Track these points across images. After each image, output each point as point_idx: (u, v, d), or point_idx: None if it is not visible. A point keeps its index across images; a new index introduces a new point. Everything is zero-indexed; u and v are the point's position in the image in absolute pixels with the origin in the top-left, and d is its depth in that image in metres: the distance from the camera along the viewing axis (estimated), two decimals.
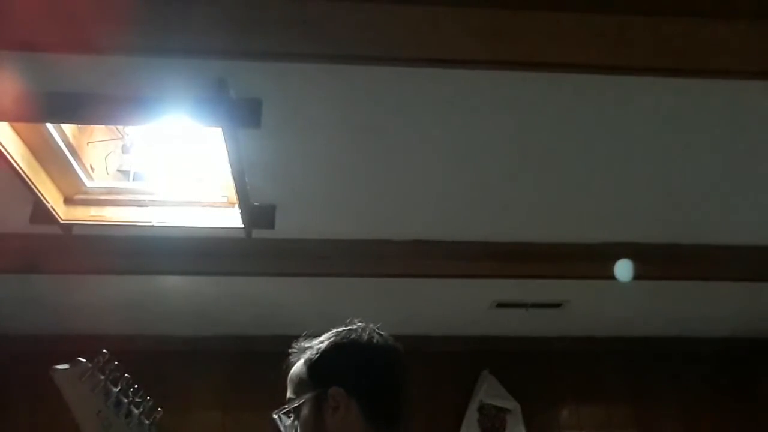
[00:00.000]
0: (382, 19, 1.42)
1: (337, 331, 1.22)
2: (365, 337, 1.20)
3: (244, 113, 1.74)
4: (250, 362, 3.39)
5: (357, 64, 1.59)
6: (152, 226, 2.30)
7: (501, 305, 3.20)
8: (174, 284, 2.87)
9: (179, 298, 3.04)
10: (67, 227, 2.27)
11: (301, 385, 1.17)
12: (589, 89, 1.76)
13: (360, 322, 1.23)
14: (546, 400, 3.57)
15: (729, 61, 1.51)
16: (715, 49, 1.48)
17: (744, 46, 1.49)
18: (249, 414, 3.27)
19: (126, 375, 1.04)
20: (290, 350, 1.22)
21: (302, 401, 1.15)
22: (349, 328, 1.22)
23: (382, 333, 1.22)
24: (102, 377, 1.00)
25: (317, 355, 1.18)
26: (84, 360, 1.00)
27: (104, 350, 1.02)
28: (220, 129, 1.78)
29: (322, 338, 1.21)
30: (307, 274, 2.68)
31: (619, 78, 1.65)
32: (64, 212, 2.24)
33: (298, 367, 1.20)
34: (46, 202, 2.12)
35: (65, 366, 0.99)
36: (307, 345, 1.21)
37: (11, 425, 3.27)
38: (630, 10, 1.45)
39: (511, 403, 3.48)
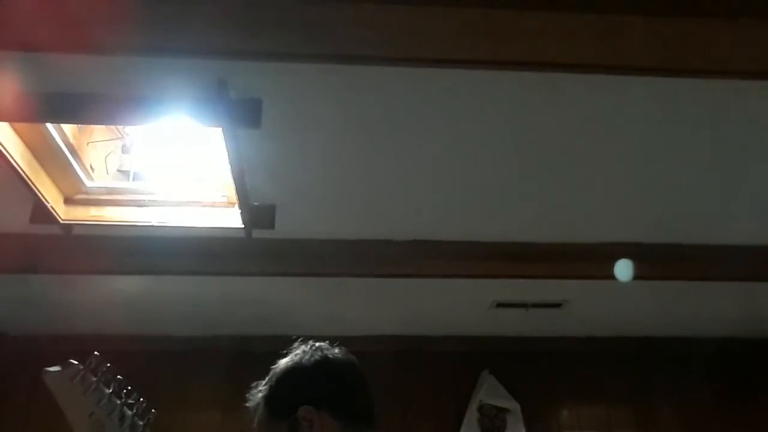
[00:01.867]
0: (382, 19, 1.42)
1: (282, 362, 1.23)
2: (310, 353, 1.21)
3: (244, 113, 1.74)
4: (249, 362, 3.34)
5: (357, 64, 1.59)
6: (152, 226, 2.29)
7: (501, 305, 3.20)
8: (174, 284, 2.87)
9: (179, 298, 3.04)
10: (67, 227, 2.27)
11: (270, 424, 1.18)
12: (589, 89, 1.76)
13: (305, 345, 1.24)
14: (546, 400, 3.57)
15: (729, 61, 1.50)
16: (714, 48, 1.48)
17: (744, 46, 1.49)
18: (249, 414, 3.26)
19: (119, 377, 1.03)
20: (247, 402, 1.23)
21: None
22: (292, 354, 1.23)
23: (329, 347, 1.23)
24: (94, 379, 0.99)
25: (271, 389, 1.20)
26: (76, 362, 0.99)
27: (96, 352, 1.01)
28: (220, 129, 1.78)
29: (269, 375, 1.23)
30: (307, 274, 2.67)
31: (618, 78, 1.65)
32: (64, 212, 2.24)
33: (259, 410, 1.21)
34: (46, 202, 2.12)
35: (56, 368, 0.98)
36: (256, 390, 1.23)
37: (11, 425, 3.27)
38: (629, 10, 1.45)
39: (511, 403, 3.47)
